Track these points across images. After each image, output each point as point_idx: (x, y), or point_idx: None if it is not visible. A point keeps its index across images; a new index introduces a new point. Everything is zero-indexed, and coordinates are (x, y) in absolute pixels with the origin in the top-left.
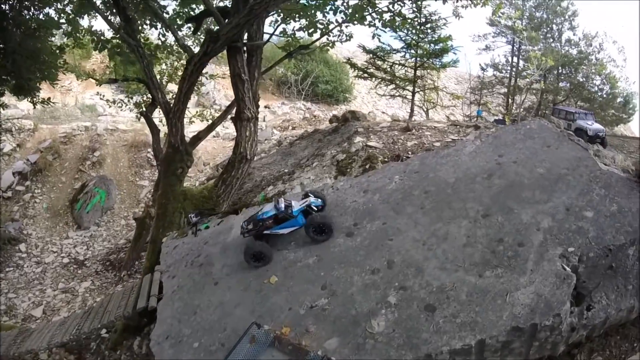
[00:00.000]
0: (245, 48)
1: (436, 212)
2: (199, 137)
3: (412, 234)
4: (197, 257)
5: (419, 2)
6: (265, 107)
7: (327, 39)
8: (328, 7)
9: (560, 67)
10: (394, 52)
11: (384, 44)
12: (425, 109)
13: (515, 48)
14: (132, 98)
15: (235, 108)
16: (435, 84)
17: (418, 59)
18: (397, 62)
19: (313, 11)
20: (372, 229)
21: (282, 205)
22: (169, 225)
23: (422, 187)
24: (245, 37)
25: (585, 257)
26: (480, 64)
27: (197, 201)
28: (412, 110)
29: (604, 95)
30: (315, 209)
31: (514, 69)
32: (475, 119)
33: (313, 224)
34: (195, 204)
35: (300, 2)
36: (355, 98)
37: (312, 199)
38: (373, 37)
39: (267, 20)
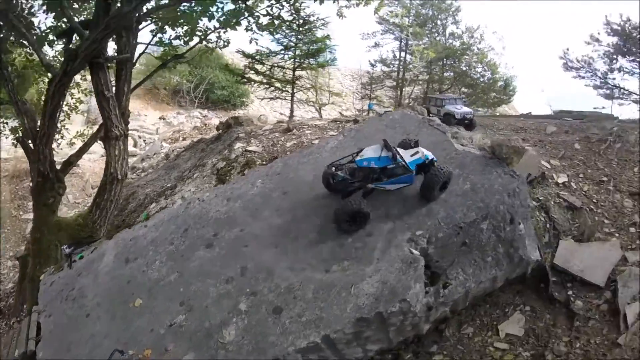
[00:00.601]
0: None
1: (291, 213)
2: (70, 162)
3: (266, 238)
4: (72, 290)
5: (297, 4)
6: (160, 118)
7: (206, 45)
8: (208, 14)
9: (444, 59)
10: (273, 54)
11: (262, 47)
12: (317, 108)
13: (402, 44)
14: (7, 123)
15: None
16: (313, 83)
17: (296, 60)
18: (276, 64)
19: (195, 17)
20: (230, 237)
21: (401, 153)
22: (45, 261)
23: (281, 188)
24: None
25: (434, 238)
26: (369, 60)
27: (73, 230)
28: (291, 110)
29: (486, 81)
30: (435, 164)
31: (401, 64)
32: (367, 112)
33: (439, 178)
34: (71, 234)
35: (181, 8)
36: (252, 102)
37: (425, 150)
38: (250, 42)
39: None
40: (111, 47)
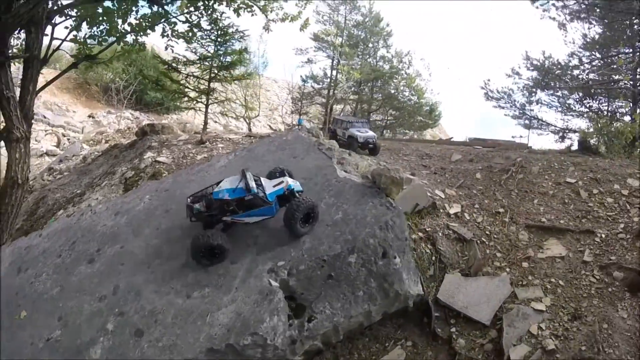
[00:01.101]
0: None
1: (168, 232)
2: None
3: (141, 257)
4: None
5: (215, 15)
6: (89, 116)
7: (122, 47)
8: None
9: (373, 80)
10: (190, 63)
11: (178, 55)
12: (247, 121)
13: (334, 62)
14: None
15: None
16: (226, 95)
17: (212, 71)
18: (192, 73)
19: (116, 16)
20: (111, 253)
21: (254, 185)
22: None
23: (165, 206)
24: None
25: (295, 270)
26: (300, 76)
27: None
28: (205, 122)
29: (412, 105)
30: (297, 195)
31: (332, 82)
32: (297, 127)
33: (298, 211)
34: None
35: (104, 5)
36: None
37: (290, 180)
38: (166, 49)
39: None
40: None
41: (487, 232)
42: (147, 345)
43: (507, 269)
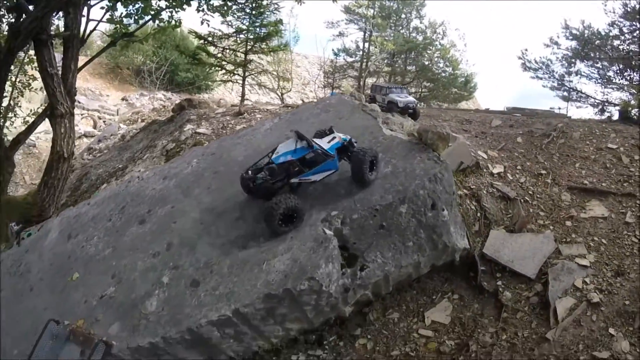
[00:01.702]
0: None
1: (219, 191)
2: (18, 140)
3: (193, 215)
4: (19, 266)
5: None
6: (123, 99)
7: (158, 25)
8: None
9: (407, 52)
10: (226, 37)
11: (214, 29)
12: (279, 94)
13: (366, 35)
14: None
15: None
16: (263, 67)
17: (248, 43)
18: (228, 47)
19: None
20: (162, 214)
21: (315, 141)
22: None
23: (213, 167)
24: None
25: (348, 219)
26: (332, 49)
27: (23, 209)
28: (243, 94)
29: (447, 77)
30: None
31: (364, 54)
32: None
33: (365, 157)
34: (22, 213)
35: None
36: (219, 85)
37: (341, 134)
38: (202, 23)
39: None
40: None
41: (530, 192)
42: (204, 294)
43: (551, 227)
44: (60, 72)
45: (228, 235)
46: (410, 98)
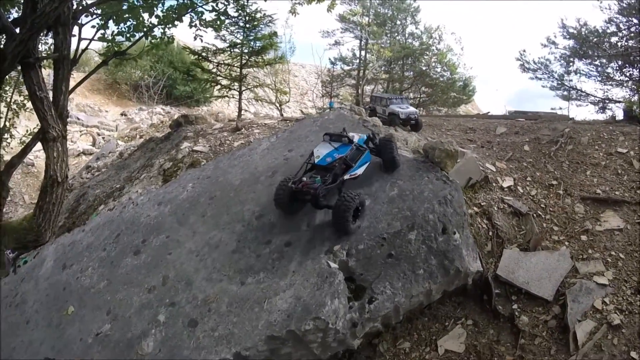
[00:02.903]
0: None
1: (215, 219)
2: (12, 163)
3: (189, 245)
4: (15, 296)
5: (241, 1)
6: (122, 114)
7: (150, 42)
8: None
9: (404, 58)
10: (220, 52)
11: (208, 44)
12: (277, 107)
13: (362, 42)
14: None
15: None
16: (262, 81)
17: (243, 57)
18: (223, 62)
19: (141, 11)
20: (157, 244)
21: (353, 135)
22: None
23: (209, 192)
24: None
25: (354, 249)
26: (329, 59)
27: (19, 234)
28: (240, 109)
29: (445, 81)
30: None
31: (361, 62)
32: (328, 110)
33: (393, 142)
34: (18, 239)
35: (129, 1)
36: (217, 98)
37: (356, 135)
38: (195, 39)
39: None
40: None
41: (542, 205)
42: (203, 335)
43: (566, 243)
44: (51, 95)
45: (225, 269)
46: (412, 109)
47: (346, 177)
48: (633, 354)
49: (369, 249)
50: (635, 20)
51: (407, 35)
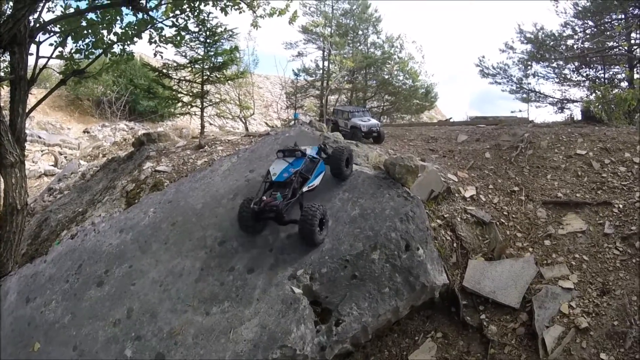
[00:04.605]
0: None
1: (177, 246)
2: None
3: (152, 275)
4: None
5: (202, 16)
6: (84, 131)
7: (110, 59)
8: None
9: (366, 68)
10: (181, 68)
11: (168, 60)
12: (243, 120)
13: (325, 53)
14: None
15: None
16: (221, 96)
17: (205, 73)
18: (184, 78)
19: (100, 28)
20: (120, 274)
21: (305, 148)
22: None
23: (170, 218)
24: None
25: (317, 273)
26: (292, 70)
27: None
28: (202, 126)
29: (408, 89)
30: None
31: (324, 73)
32: (294, 121)
33: (343, 154)
34: None
35: (88, 18)
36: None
37: (308, 147)
38: (155, 55)
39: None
40: None
41: (505, 213)
42: None
43: (530, 249)
44: (7, 118)
45: (189, 299)
46: (374, 121)
47: (305, 189)
48: (602, 356)
49: (332, 271)
50: (590, 23)
51: (369, 44)
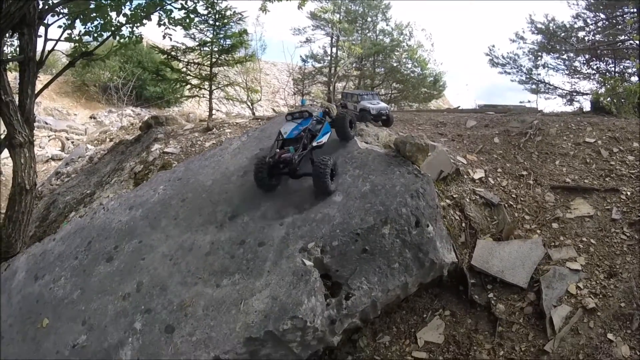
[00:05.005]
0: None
1: (187, 222)
2: None
3: (162, 249)
4: None
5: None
6: (91, 117)
7: (118, 41)
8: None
9: (374, 55)
10: (190, 50)
11: (177, 43)
12: (250, 105)
13: (333, 40)
14: None
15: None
16: (230, 80)
17: (214, 56)
18: (192, 61)
19: (109, 10)
20: (129, 249)
21: (312, 110)
22: None
23: (180, 195)
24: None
25: (328, 246)
26: (300, 56)
27: None
28: (210, 109)
29: (416, 77)
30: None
31: (332, 60)
32: (300, 107)
33: (346, 118)
34: None
35: (95, 1)
36: (187, 99)
37: (315, 108)
38: (164, 37)
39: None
40: None
41: (514, 196)
42: (180, 341)
43: (538, 231)
44: (17, 98)
45: (200, 272)
46: (383, 104)
47: (314, 144)
48: (610, 336)
49: (343, 245)
50: (602, 15)
51: (378, 32)
